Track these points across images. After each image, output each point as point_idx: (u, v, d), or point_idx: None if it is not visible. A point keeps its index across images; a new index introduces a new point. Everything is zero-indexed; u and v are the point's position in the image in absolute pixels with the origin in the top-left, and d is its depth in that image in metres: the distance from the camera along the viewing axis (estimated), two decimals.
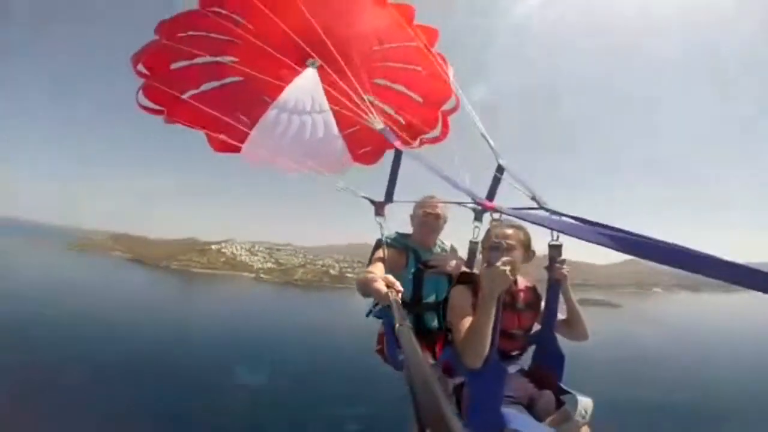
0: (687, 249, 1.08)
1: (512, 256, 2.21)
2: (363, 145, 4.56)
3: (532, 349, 2.48)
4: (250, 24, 3.49)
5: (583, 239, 1.39)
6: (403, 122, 4.36)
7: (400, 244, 2.95)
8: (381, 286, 2.09)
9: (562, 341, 2.46)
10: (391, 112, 4.31)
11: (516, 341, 2.34)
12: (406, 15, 3.80)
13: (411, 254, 2.92)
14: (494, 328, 1.91)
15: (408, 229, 3.21)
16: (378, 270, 2.58)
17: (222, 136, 4.03)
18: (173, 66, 3.57)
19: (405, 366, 1.10)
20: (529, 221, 2.02)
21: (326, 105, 4.37)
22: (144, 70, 3.43)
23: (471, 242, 2.13)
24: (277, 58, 3.59)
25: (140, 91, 3.49)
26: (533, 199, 2.31)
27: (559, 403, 2.10)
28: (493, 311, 1.89)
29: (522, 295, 2.38)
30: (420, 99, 4.17)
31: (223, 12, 3.41)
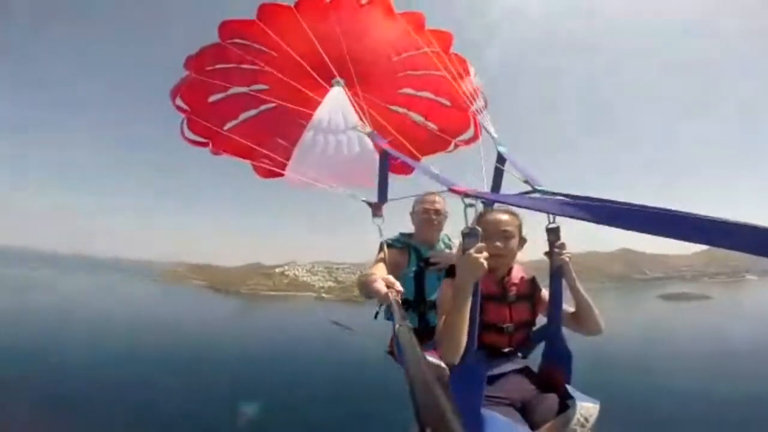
0: (696, 215, 0.90)
1: (511, 244, 2.05)
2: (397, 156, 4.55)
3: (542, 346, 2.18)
4: (273, 51, 3.67)
5: (569, 217, 1.27)
6: (436, 128, 4.30)
7: (401, 243, 2.91)
8: (381, 286, 2.05)
9: (579, 337, 2.12)
10: (421, 119, 4.27)
11: (507, 336, 2.05)
12: (417, 22, 3.80)
13: (412, 252, 2.85)
14: (471, 321, 1.75)
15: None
16: (379, 271, 2.55)
17: (265, 162, 4.25)
18: (210, 99, 3.83)
19: (405, 365, 1.03)
20: (509, 204, 1.88)
21: (357, 120, 4.46)
22: (183, 105, 3.71)
23: (462, 232, 1.92)
24: (305, 81, 3.75)
25: (184, 126, 3.79)
26: (526, 182, 2.17)
27: (563, 408, 1.78)
28: (467, 302, 1.72)
29: (515, 286, 2.12)
30: (448, 102, 4.09)
31: (246, 43, 3.63)
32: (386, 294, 2.00)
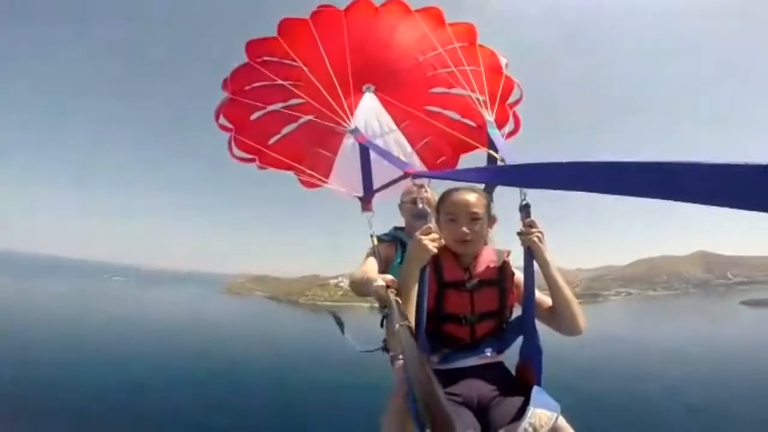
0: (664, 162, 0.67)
1: (478, 227, 1.86)
2: (438, 156, 4.51)
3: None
4: (304, 65, 3.81)
5: (515, 185, 1.16)
6: (474, 125, 4.19)
7: (389, 237, 2.87)
8: (381, 286, 1.98)
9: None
10: (458, 117, 4.19)
11: (467, 327, 1.83)
12: (436, 18, 3.75)
13: (399, 245, 2.80)
14: (419, 308, 1.61)
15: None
16: (370, 267, 2.53)
17: (309, 173, 4.42)
18: (252, 117, 4.06)
19: (405, 365, 1.02)
20: (453, 179, 1.78)
21: (393, 125, 4.49)
22: (227, 124, 3.97)
23: (412, 215, 1.76)
24: (337, 90, 3.85)
25: (231, 144, 4.06)
26: (502, 159, 2.05)
27: (522, 413, 1.53)
28: (413, 288, 1.61)
29: (479, 270, 1.88)
30: (482, 98, 3.98)
31: (274, 60, 3.80)
32: (387, 294, 1.94)
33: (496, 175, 1.45)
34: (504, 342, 1.95)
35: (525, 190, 1.81)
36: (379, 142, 4.56)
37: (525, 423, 1.45)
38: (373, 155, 4.22)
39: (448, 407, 0.74)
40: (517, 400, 1.66)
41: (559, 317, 1.87)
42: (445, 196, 1.95)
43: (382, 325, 2.79)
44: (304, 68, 3.73)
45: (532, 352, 1.82)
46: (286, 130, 4.39)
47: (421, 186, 2.93)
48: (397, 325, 1.39)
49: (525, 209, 1.87)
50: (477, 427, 1.59)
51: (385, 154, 2.58)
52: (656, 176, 0.68)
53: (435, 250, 1.64)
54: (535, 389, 1.66)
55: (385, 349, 2.78)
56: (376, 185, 3.81)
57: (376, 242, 2.82)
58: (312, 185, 4.60)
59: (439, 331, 1.80)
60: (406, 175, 2.09)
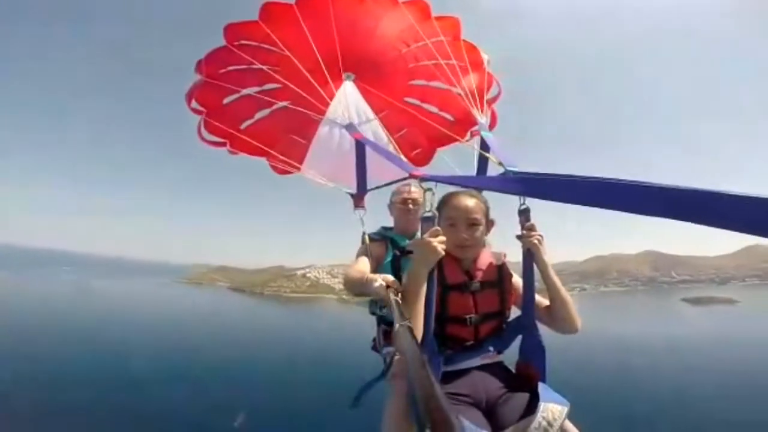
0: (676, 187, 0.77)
1: (478, 232, 1.92)
2: (414, 147, 4.52)
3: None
4: (282, 51, 3.69)
5: (526, 195, 1.19)
6: (451, 119, 4.24)
7: (379, 236, 2.90)
8: (381, 286, 1.97)
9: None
10: (436, 110, 4.21)
11: (471, 328, 1.88)
12: (423, 10, 3.74)
13: (389, 244, 2.84)
14: (427, 309, 1.64)
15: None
16: (363, 265, 2.55)
17: (282, 159, 4.29)
18: (225, 101, 3.88)
19: (406, 366, 1.01)
20: (465, 185, 1.80)
21: (371, 114, 4.44)
22: (199, 107, 3.78)
23: (420, 217, 1.83)
24: (316, 77, 3.75)
25: (201, 127, 3.87)
26: (500, 164, 2.05)
27: (532, 409, 1.59)
28: (421, 290, 1.63)
29: (480, 273, 1.95)
30: (461, 92, 4.03)
31: (253, 44, 3.66)
32: (387, 294, 1.95)
33: (507, 185, 1.45)
34: (504, 342, 2.00)
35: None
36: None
37: (539, 417, 1.48)
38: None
39: (449, 408, 0.73)
40: (524, 397, 1.71)
41: (557, 317, 1.93)
42: (445, 201, 1.98)
43: (379, 325, 2.75)
44: (285, 52, 3.61)
45: (533, 351, 1.87)
46: (259, 115, 4.24)
47: (411, 191, 2.95)
48: (397, 325, 1.39)
49: (525, 213, 1.91)
50: (488, 426, 1.61)
51: (387, 154, 2.56)
52: (680, 199, 0.73)
53: (443, 252, 1.64)
54: (541, 386, 1.70)
55: (375, 348, 2.81)
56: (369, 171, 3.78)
57: (368, 241, 2.82)
58: (285, 171, 4.49)
59: (442, 332, 1.80)
60: (411, 178, 2.04)
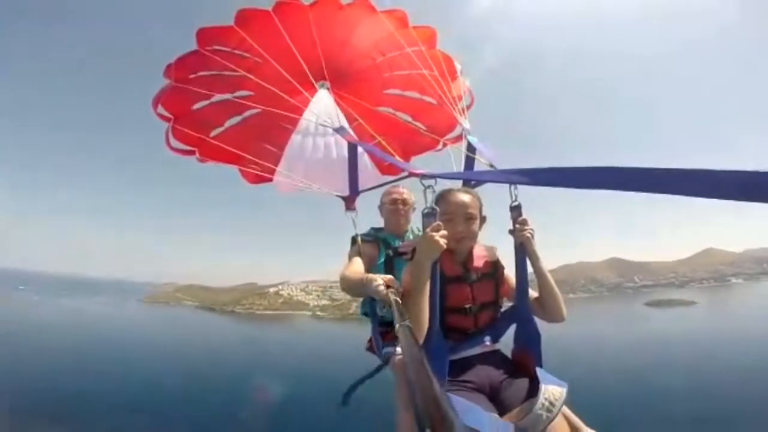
0: (658, 169, 0.84)
1: (473, 226, 2.04)
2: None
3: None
4: (255, 57, 3.64)
5: (521, 184, 1.36)
6: (424, 128, 4.30)
7: (370, 237, 2.94)
8: (381, 287, 2.03)
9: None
10: (409, 119, 4.27)
11: (471, 318, 1.98)
12: (400, 20, 3.81)
13: (381, 244, 2.89)
14: (432, 301, 1.72)
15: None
16: (358, 266, 2.60)
17: (253, 168, 4.19)
18: (194, 107, 3.77)
19: (405, 365, 1.03)
20: (463, 179, 1.95)
21: (346, 123, 4.45)
22: (166, 113, 3.65)
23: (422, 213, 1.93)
24: (289, 86, 3.72)
25: (169, 135, 3.73)
26: (491, 165, 2.20)
27: (532, 392, 1.71)
28: (426, 282, 1.70)
29: (475, 265, 2.07)
30: (434, 102, 4.11)
31: (226, 50, 3.59)
32: (387, 294, 1.99)
33: (512, 177, 1.52)
34: (499, 331, 2.09)
35: (516, 192, 2.00)
36: (329, 139, 4.49)
37: (541, 398, 1.58)
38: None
39: (449, 407, 0.73)
40: (524, 381, 1.82)
41: (547, 306, 2.05)
42: (442, 197, 2.06)
43: (376, 326, 2.71)
44: (258, 59, 3.56)
45: (529, 338, 1.99)
46: (230, 122, 4.15)
47: (401, 192, 3.01)
48: (398, 325, 1.40)
49: (517, 209, 2.04)
50: (494, 410, 1.69)
51: (383, 155, 2.69)
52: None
53: (445, 246, 1.70)
54: (539, 370, 1.80)
55: (370, 349, 2.81)
56: (343, 180, 3.76)
57: (360, 242, 2.83)
58: (257, 179, 4.39)
59: (443, 323, 1.85)
60: (411, 176, 2.08)
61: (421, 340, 1.68)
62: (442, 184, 2.05)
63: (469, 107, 3.98)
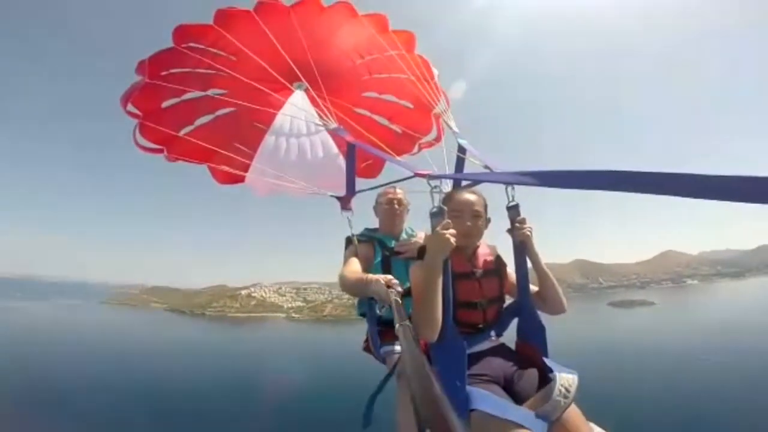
0: (660, 173, 0.90)
1: (480, 223, 2.11)
2: (364, 159, 4.53)
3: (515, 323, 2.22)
4: (232, 56, 3.57)
5: (524, 184, 1.37)
6: (399, 131, 4.32)
7: (366, 237, 2.97)
8: (381, 287, 2.07)
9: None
10: (385, 122, 4.29)
11: (481, 312, 2.06)
12: (381, 24, 3.83)
13: (377, 244, 2.92)
14: (444, 297, 1.78)
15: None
16: (356, 266, 2.61)
17: (224, 167, 4.08)
18: (164, 104, 3.65)
19: (405, 365, 1.04)
20: (469, 180, 1.99)
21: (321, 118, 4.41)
22: (135, 110, 3.51)
23: (430, 212, 1.98)
24: (264, 85, 3.65)
25: (136, 132, 3.58)
26: (486, 167, 2.24)
27: (543, 383, 1.81)
28: (438, 279, 1.75)
29: (481, 262, 2.16)
30: (411, 105, 4.14)
31: (201, 47, 3.50)
32: (386, 294, 2.02)
33: (510, 178, 1.59)
34: (503, 325, 2.18)
35: (513, 192, 2.09)
36: (304, 140, 4.44)
37: (558, 385, 1.67)
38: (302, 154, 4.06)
39: (449, 408, 0.73)
40: (534, 372, 1.91)
41: (548, 299, 2.14)
42: (450, 196, 2.14)
43: (373, 325, 2.72)
44: (233, 58, 3.49)
45: (534, 330, 2.07)
46: (200, 120, 4.03)
47: (396, 193, 3.03)
48: (398, 325, 1.41)
49: (514, 209, 2.12)
50: (510, 399, 1.76)
51: (385, 156, 2.66)
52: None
53: (455, 243, 1.74)
54: (547, 360, 1.90)
55: (367, 349, 2.83)
56: (318, 182, 3.71)
57: (356, 242, 2.84)
58: (226, 179, 4.29)
59: (454, 318, 1.89)
60: (417, 176, 2.10)
61: (436, 336, 1.75)
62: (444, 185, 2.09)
63: (444, 112, 4.04)
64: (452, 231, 1.74)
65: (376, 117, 4.28)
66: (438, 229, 1.73)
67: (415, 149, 4.31)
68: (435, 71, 3.96)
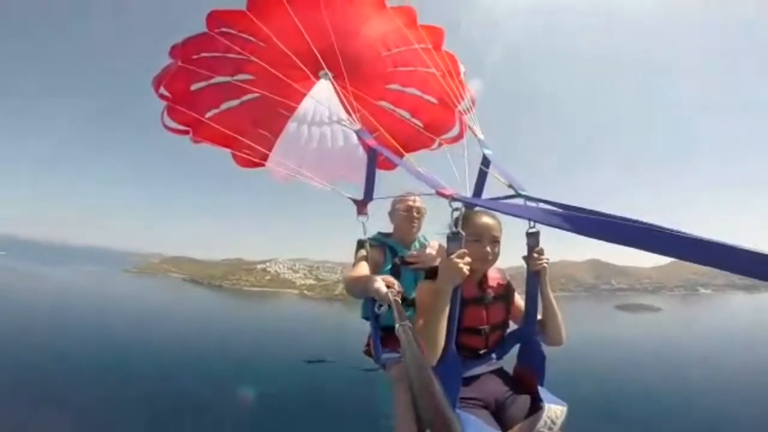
0: (688, 235, 0.89)
1: (497, 249, 2.08)
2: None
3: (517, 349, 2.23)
4: (261, 42, 3.60)
5: (554, 227, 1.27)
6: (421, 125, 4.30)
7: (377, 242, 2.94)
8: (381, 286, 2.09)
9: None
10: (407, 116, 4.26)
11: (483, 338, 2.08)
12: (409, 17, 3.79)
13: (388, 251, 2.89)
14: (450, 323, 1.77)
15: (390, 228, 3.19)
16: (364, 269, 2.59)
17: (246, 153, 4.17)
18: (193, 87, 3.73)
19: (405, 366, 1.03)
20: (494, 210, 1.91)
21: (344, 114, 4.42)
22: (166, 93, 3.61)
23: (447, 236, 1.92)
24: (291, 72, 3.68)
25: (165, 114, 3.69)
26: (510, 186, 2.18)
27: (534, 410, 1.83)
28: (446, 305, 1.74)
29: (492, 287, 2.15)
30: (435, 101, 4.10)
31: (233, 32, 3.55)
32: (386, 294, 2.02)
33: (542, 216, 1.48)
34: (504, 349, 2.20)
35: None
36: (326, 129, 4.46)
37: (544, 417, 1.70)
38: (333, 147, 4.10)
39: (449, 409, 0.73)
40: (526, 398, 1.94)
41: (549, 331, 2.12)
42: (469, 218, 2.06)
43: (375, 330, 2.68)
44: (262, 44, 3.54)
45: (535, 358, 2.07)
46: (226, 105, 4.11)
47: (415, 199, 2.99)
48: (397, 325, 1.41)
49: (534, 236, 2.04)
50: (498, 427, 1.80)
51: (410, 169, 2.51)
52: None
53: (468, 273, 1.72)
54: (541, 389, 1.91)
55: (368, 353, 2.81)
56: (335, 171, 3.71)
57: (368, 247, 2.82)
58: (248, 164, 4.37)
59: (455, 342, 1.89)
60: (438, 196, 1.99)
61: (436, 360, 1.74)
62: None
63: (470, 109, 3.99)
64: (468, 260, 1.72)
65: (398, 110, 4.27)
66: (453, 257, 1.70)
67: (435, 145, 4.29)
68: (462, 68, 3.90)
